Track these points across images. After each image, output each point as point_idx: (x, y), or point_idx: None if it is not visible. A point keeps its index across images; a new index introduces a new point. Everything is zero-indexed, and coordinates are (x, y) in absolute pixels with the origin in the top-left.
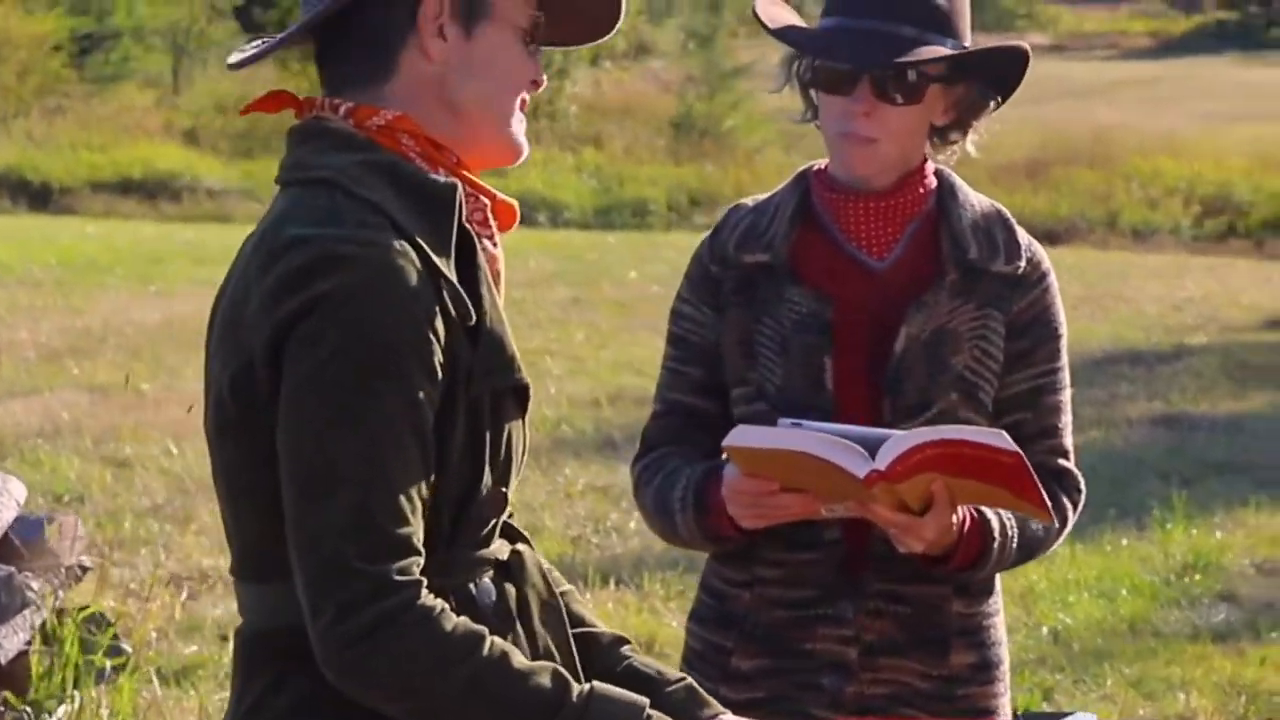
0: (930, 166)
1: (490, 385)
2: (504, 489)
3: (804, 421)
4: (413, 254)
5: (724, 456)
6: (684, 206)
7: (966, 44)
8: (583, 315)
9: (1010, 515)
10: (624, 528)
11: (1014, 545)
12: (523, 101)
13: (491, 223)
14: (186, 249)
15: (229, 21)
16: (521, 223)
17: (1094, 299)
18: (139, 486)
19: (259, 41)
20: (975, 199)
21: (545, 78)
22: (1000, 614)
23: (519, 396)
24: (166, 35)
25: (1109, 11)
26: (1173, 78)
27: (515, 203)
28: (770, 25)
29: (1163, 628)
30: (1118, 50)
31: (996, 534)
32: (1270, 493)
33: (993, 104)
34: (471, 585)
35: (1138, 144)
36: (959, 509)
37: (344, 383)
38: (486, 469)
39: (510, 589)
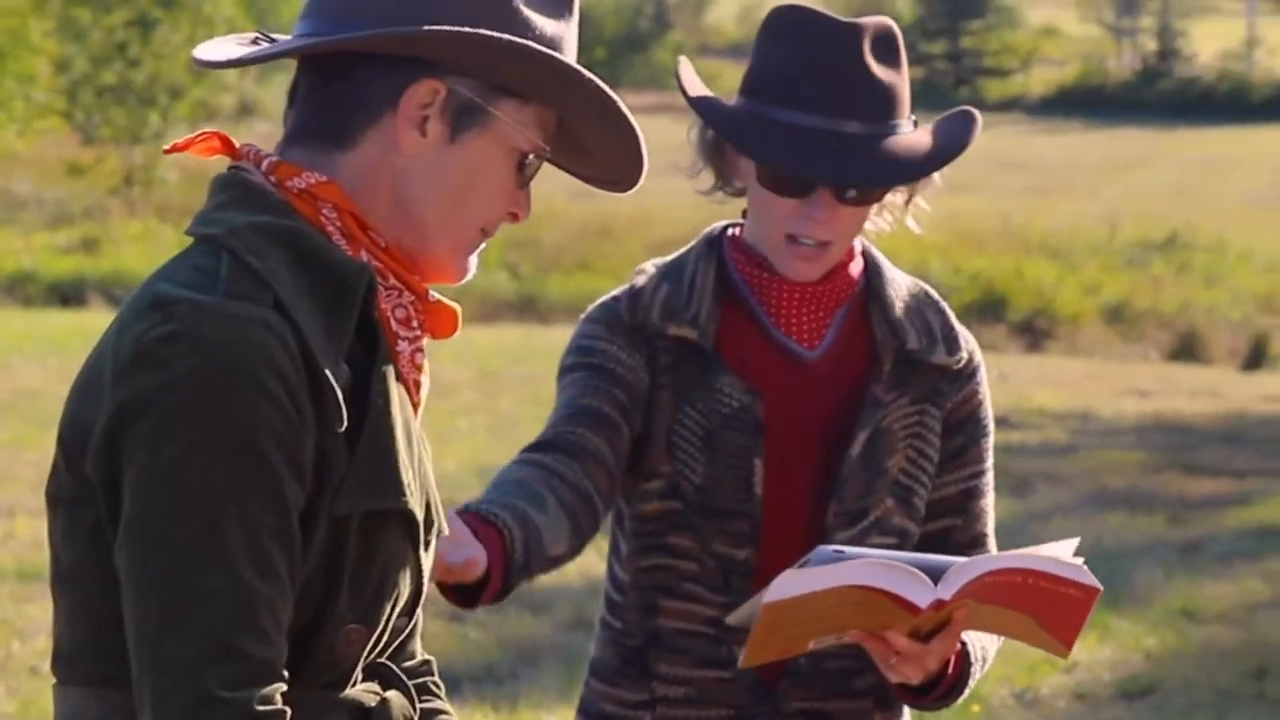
0: (858, 245)
1: (361, 505)
2: (366, 627)
3: (845, 549)
4: (289, 336)
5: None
6: None
7: (913, 117)
8: None
9: (979, 639)
10: None
11: (977, 673)
12: (485, 232)
13: (415, 324)
14: None
15: None
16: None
17: None
18: None
19: (238, 39)
20: (901, 277)
21: (529, 212)
22: None
23: (408, 526)
24: None
25: None
26: None
27: (457, 308)
28: (698, 105)
29: None
30: None
31: (973, 660)
32: None
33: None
34: None
35: None
36: None
37: (201, 484)
38: (343, 601)
39: None
